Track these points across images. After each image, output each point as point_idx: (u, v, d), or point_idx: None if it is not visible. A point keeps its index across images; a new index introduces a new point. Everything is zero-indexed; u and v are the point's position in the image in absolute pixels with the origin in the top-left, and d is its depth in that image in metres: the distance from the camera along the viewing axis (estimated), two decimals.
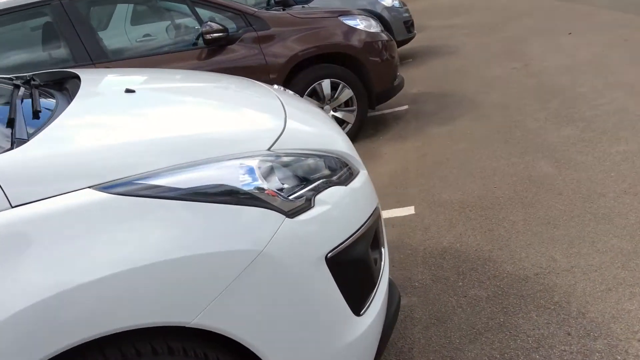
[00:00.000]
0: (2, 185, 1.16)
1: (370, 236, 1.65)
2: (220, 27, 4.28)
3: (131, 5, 4.68)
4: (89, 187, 1.22)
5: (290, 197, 1.43)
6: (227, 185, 1.34)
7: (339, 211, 1.53)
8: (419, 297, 2.49)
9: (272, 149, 1.53)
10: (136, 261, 1.18)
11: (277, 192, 1.40)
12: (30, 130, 1.42)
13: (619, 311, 2.14)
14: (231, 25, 4.45)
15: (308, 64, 4.61)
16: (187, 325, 1.24)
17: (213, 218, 1.29)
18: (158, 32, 4.68)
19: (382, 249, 1.82)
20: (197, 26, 4.34)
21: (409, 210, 3.34)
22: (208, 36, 4.23)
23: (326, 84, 4.69)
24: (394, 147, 4.56)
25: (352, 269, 1.54)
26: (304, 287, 1.41)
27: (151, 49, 4.46)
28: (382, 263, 1.78)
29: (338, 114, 4.80)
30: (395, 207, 3.42)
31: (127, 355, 1.22)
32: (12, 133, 1.39)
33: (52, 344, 1.12)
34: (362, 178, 1.73)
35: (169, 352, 1.27)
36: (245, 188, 1.36)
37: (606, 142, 3.63)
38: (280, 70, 4.49)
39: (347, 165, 1.72)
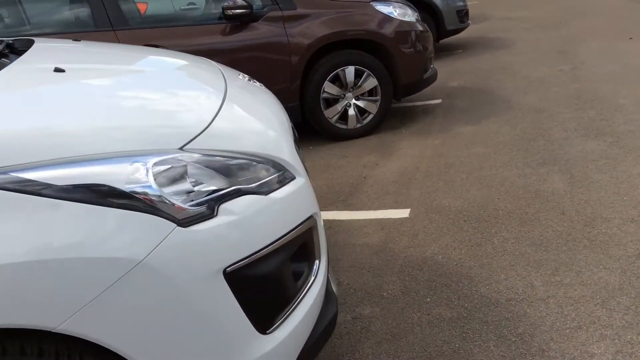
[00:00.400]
0: None
1: (290, 250, 1.55)
2: (244, 3, 4.19)
3: None
4: None
5: (187, 204, 1.34)
6: (108, 185, 1.26)
7: (247, 222, 1.43)
8: (382, 309, 2.38)
9: (185, 148, 1.44)
10: None
11: (166, 198, 1.31)
12: None
13: (582, 353, 1.97)
14: (257, 3, 4.35)
15: (332, 48, 4.48)
16: (52, 331, 1.19)
17: (87, 220, 1.22)
18: (188, 3, 4.65)
19: (317, 262, 1.72)
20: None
21: (404, 213, 3.20)
22: (229, 12, 4.16)
23: (350, 71, 4.55)
24: (413, 142, 4.39)
25: (259, 285, 1.45)
26: (195, 302, 1.33)
27: (172, 19, 4.43)
28: (313, 277, 1.68)
29: (360, 103, 4.66)
30: (391, 208, 3.29)
31: None
32: None
33: None
34: (292, 187, 1.62)
35: (39, 354, 1.22)
36: (130, 190, 1.28)
37: (630, 161, 3.37)
38: (302, 52, 4.38)
39: (280, 170, 1.62)
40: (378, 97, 4.68)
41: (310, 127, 4.70)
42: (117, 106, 1.54)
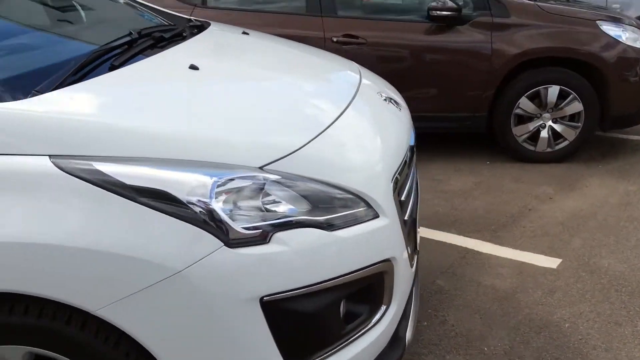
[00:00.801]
0: None
1: (344, 292, 1.52)
2: (453, 5, 4.04)
3: None
4: (47, 155, 1.33)
5: (241, 226, 1.38)
6: (169, 192, 1.35)
7: (297, 257, 1.43)
8: None
9: (265, 167, 1.47)
10: (49, 239, 1.29)
11: (220, 216, 1.36)
12: (53, 84, 1.55)
13: None
14: (467, 6, 4.17)
15: (536, 63, 4.14)
16: (91, 312, 1.33)
17: (141, 221, 1.32)
18: None
19: (383, 307, 1.66)
20: None
21: (552, 262, 2.91)
22: (435, 12, 4.04)
23: (554, 91, 4.17)
24: (604, 182, 3.92)
25: (297, 320, 1.45)
26: (225, 322, 1.38)
27: (376, 11, 4.46)
28: (372, 323, 1.63)
29: (557, 126, 4.26)
30: (540, 253, 3.00)
31: (45, 315, 1.35)
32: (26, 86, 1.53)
33: None
34: (370, 226, 1.57)
35: (81, 328, 1.37)
36: (187, 201, 1.35)
37: None
38: (505, 63, 4.12)
39: (363, 207, 1.58)
40: (579, 124, 4.23)
41: (491, 140, 4.45)
42: (219, 114, 1.62)
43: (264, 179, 1.45)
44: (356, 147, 1.74)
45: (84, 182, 1.32)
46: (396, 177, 1.74)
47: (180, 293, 1.34)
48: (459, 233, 3.24)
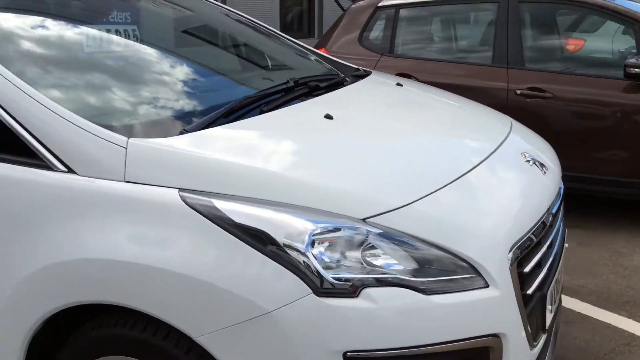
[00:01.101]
0: (127, 161, 1.55)
1: None
2: None
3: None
4: (177, 188, 1.49)
5: (333, 275, 1.40)
6: (268, 234, 1.42)
7: (386, 316, 1.40)
8: None
9: (368, 220, 1.48)
10: (161, 263, 1.43)
11: (313, 263, 1.40)
12: (203, 124, 1.73)
13: None
14: None
15: None
16: (192, 337, 1.45)
17: (241, 258, 1.41)
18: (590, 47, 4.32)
19: None
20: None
21: None
22: (633, 70, 3.69)
23: None
24: None
25: None
26: None
27: (566, 64, 4.19)
28: None
29: None
30: None
31: (145, 329, 1.51)
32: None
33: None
34: (473, 296, 1.48)
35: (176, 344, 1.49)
36: (284, 244, 1.41)
37: None
38: None
39: (470, 275, 1.50)
40: None
41: None
42: (334, 163, 1.67)
43: (367, 232, 1.46)
44: (475, 208, 1.67)
45: (199, 215, 1.45)
46: (520, 246, 1.63)
47: (267, 333, 1.39)
48: (630, 316, 2.87)
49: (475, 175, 1.77)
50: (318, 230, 1.44)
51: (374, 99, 2.31)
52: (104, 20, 2.50)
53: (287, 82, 2.15)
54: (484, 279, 1.51)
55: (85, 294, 1.55)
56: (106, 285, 1.52)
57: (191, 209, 1.46)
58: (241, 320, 1.40)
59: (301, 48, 2.85)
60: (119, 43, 2.37)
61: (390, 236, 1.48)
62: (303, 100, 2.06)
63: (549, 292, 1.80)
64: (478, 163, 1.82)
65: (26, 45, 2.02)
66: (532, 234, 1.71)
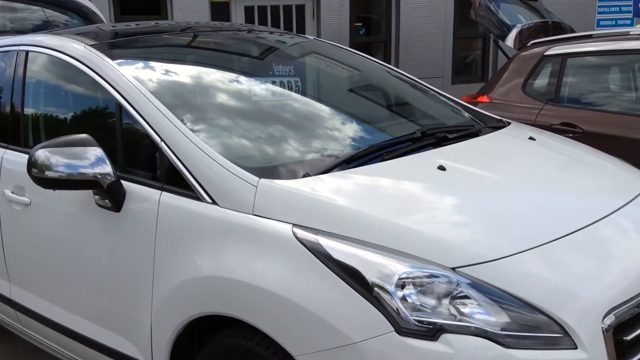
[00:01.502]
0: (256, 198, 1.82)
1: None
2: None
3: None
4: (292, 224, 1.74)
5: (414, 316, 1.53)
6: (359, 272, 1.58)
7: None
8: None
9: (457, 269, 1.59)
10: (269, 286, 1.68)
11: (397, 304, 1.53)
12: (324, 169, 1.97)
13: None
14: None
15: None
16: (293, 357, 1.66)
17: (334, 290, 1.59)
18: None
19: None
20: None
21: None
22: None
23: None
24: None
25: None
26: None
27: None
28: None
29: None
30: None
31: (259, 344, 1.75)
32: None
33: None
34: (559, 356, 1.50)
35: None
36: (372, 282, 1.56)
37: None
38: None
39: (555, 334, 1.53)
40: None
41: None
42: (434, 212, 1.80)
43: (457, 281, 1.57)
44: (576, 268, 1.68)
45: (305, 249, 1.67)
46: (619, 312, 1.60)
47: None
48: None
49: (587, 233, 1.77)
50: (407, 274, 1.57)
51: (496, 152, 2.37)
52: (270, 73, 2.88)
53: (414, 132, 2.31)
54: (572, 339, 1.52)
55: (215, 306, 1.85)
56: (229, 300, 1.80)
57: (299, 243, 1.68)
58: (331, 347, 1.58)
59: (446, 100, 2.98)
60: (276, 93, 2.72)
61: (479, 287, 1.56)
62: (426, 150, 2.21)
63: None
64: (591, 222, 1.82)
65: (194, 93, 2.44)
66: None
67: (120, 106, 2.22)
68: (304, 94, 2.87)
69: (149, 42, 2.89)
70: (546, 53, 4.67)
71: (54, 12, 4.88)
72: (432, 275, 1.58)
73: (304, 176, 1.93)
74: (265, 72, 2.91)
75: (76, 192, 2.19)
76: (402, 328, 1.53)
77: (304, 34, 7.00)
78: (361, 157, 2.09)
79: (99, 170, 2.05)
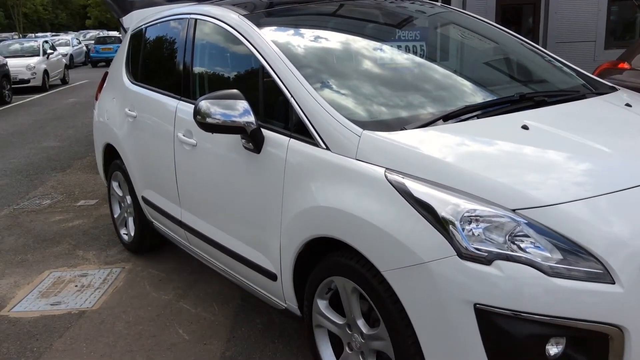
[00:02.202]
0: (359, 146, 2.26)
1: (551, 332, 1.82)
2: None
3: None
4: (385, 167, 2.16)
5: (474, 245, 1.89)
6: (432, 207, 1.96)
7: (509, 284, 1.83)
8: None
9: (517, 211, 1.91)
10: (364, 214, 2.12)
11: (459, 234, 1.90)
12: (420, 124, 2.35)
13: None
14: None
15: None
16: (380, 271, 2.11)
17: (411, 220, 1.99)
18: None
19: None
20: None
21: None
22: None
23: None
24: None
25: (502, 335, 1.85)
26: (445, 312, 1.91)
27: None
28: None
29: None
30: None
31: (358, 262, 2.21)
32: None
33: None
34: (596, 287, 1.79)
35: (373, 276, 2.16)
36: (442, 216, 1.93)
37: None
38: None
39: (599, 270, 1.82)
40: None
41: None
42: (509, 163, 2.12)
43: (515, 220, 1.90)
44: (624, 219, 1.91)
45: (393, 188, 2.09)
46: None
47: (421, 278, 1.96)
48: None
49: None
50: (472, 212, 1.93)
51: (582, 115, 2.56)
52: (396, 37, 3.26)
53: (514, 95, 2.59)
54: (611, 276, 1.80)
55: (325, 229, 2.33)
56: (335, 225, 2.28)
57: (389, 183, 2.10)
58: (407, 264, 2.00)
59: (562, 66, 3.17)
60: (398, 56, 3.11)
61: (535, 227, 1.88)
62: (520, 111, 2.48)
63: None
64: None
65: (324, 58, 2.91)
66: None
67: (262, 67, 2.76)
68: (425, 57, 3.21)
69: (294, 11, 3.41)
70: None
71: None
72: (494, 215, 1.92)
73: (402, 129, 2.32)
74: (392, 37, 3.28)
75: (228, 135, 2.77)
76: (463, 253, 1.90)
77: None
78: (456, 115, 2.44)
79: (245, 119, 2.61)
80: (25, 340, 3.34)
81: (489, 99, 2.73)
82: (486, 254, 1.88)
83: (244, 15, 3.05)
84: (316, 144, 2.43)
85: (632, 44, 5.50)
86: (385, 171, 2.15)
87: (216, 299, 3.68)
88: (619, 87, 2.99)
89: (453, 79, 2.99)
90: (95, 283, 4.08)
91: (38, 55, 18.51)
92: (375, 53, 3.12)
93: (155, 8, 4.38)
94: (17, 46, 19.67)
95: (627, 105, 2.62)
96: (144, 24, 4.19)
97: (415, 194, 2.04)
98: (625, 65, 4.83)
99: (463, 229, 1.92)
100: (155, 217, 3.96)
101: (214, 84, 3.29)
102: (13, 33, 45.87)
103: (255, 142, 2.66)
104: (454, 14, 3.74)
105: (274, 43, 2.80)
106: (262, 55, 2.78)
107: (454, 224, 1.93)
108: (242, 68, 3.10)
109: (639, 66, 4.73)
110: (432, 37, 3.43)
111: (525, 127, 2.31)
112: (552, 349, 1.85)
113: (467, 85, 2.93)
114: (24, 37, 37.00)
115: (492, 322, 1.86)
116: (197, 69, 3.39)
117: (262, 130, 2.66)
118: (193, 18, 3.44)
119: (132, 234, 4.43)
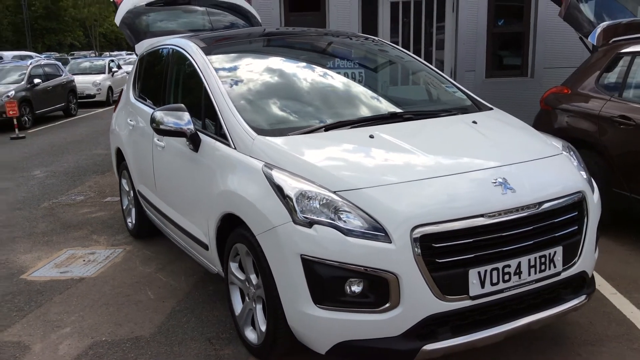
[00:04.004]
0: (252, 146, 3.11)
1: (347, 274, 2.59)
2: None
3: None
4: (264, 162, 3.00)
5: (302, 215, 2.68)
6: (283, 188, 2.78)
7: (321, 241, 2.60)
8: None
9: (337, 192, 2.70)
10: (242, 192, 2.98)
11: (294, 206, 2.70)
12: (298, 132, 3.17)
13: None
14: None
15: None
16: (255, 235, 2.95)
17: (270, 198, 2.81)
18: None
19: (388, 304, 2.58)
20: None
21: None
22: None
23: None
24: None
25: (318, 276, 2.64)
26: (287, 261, 2.71)
27: None
28: (377, 308, 2.61)
29: None
30: None
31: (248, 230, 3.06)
32: None
33: None
34: (377, 245, 2.55)
35: (256, 241, 3.00)
36: (287, 195, 2.72)
37: None
38: None
39: (384, 234, 2.58)
40: None
41: None
42: (341, 159, 2.92)
43: (334, 199, 2.69)
44: (406, 199, 2.66)
45: (264, 176, 2.91)
46: (427, 227, 2.57)
47: (273, 238, 2.76)
48: None
49: (432, 181, 2.74)
50: (306, 192, 2.73)
51: (425, 129, 3.32)
52: (316, 62, 4.10)
53: (385, 113, 3.38)
54: (389, 238, 2.57)
55: (228, 207, 3.18)
56: (231, 204, 3.12)
57: (263, 173, 2.93)
58: (267, 229, 2.81)
59: (453, 88, 3.93)
60: (313, 78, 3.95)
61: (348, 203, 2.67)
62: (378, 125, 3.27)
63: (475, 272, 2.62)
64: (442, 175, 2.77)
65: (251, 79, 3.79)
66: (453, 227, 2.59)
67: (204, 86, 3.65)
68: (336, 80, 4.01)
69: (241, 44, 4.33)
70: (620, 51, 5.09)
71: (235, 17, 6.61)
72: (321, 194, 2.71)
73: (284, 135, 3.16)
74: (311, 62, 4.16)
75: (178, 138, 3.68)
76: (296, 220, 2.70)
77: (444, 25, 7.90)
78: (335, 127, 3.26)
79: (187, 126, 3.51)
80: (33, 295, 4.32)
81: (371, 114, 3.52)
82: (309, 220, 2.68)
83: (199, 47, 3.98)
84: (229, 145, 3.29)
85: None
86: (263, 165, 2.98)
87: (186, 273, 4.58)
88: (494, 108, 3.71)
89: (352, 98, 3.80)
90: (99, 259, 5.06)
91: (104, 72, 20.25)
92: (292, 75, 3.96)
93: (158, 38, 5.38)
94: (86, 64, 21.53)
95: (474, 122, 3.36)
96: (145, 51, 5.21)
97: (274, 179, 2.86)
98: (565, 90, 5.46)
99: (298, 204, 2.72)
100: (146, 207, 4.91)
101: (177, 98, 4.22)
102: (90, 52, 49.00)
103: (194, 143, 3.55)
104: (370, 43, 4.57)
105: (214, 68, 3.70)
106: (204, 76, 3.69)
107: (292, 200, 2.74)
108: (194, 86, 4.00)
109: (575, 91, 5.35)
110: (347, 63, 4.24)
111: (371, 136, 3.10)
112: (354, 288, 2.61)
113: (363, 103, 3.73)
114: (100, 55, 39.71)
115: (310, 267, 2.65)
116: (169, 85, 4.34)
117: (200, 134, 3.55)
118: (170, 47, 4.41)
119: (134, 221, 5.40)
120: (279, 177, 2.85)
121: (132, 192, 5.31)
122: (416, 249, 2.56)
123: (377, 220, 2.60)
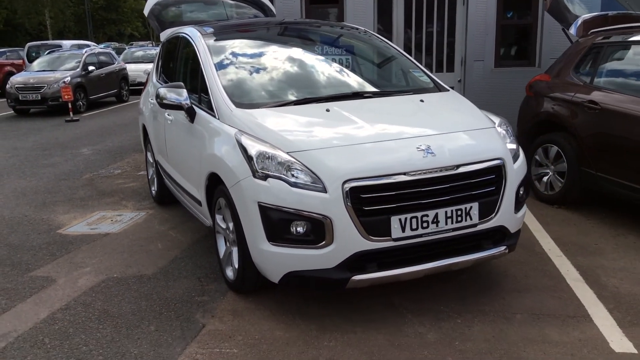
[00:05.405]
0: (231, 116, 3.79)
1: (294, 218, 3.24)
2: None
3: None
4: (237, 129, 3.66)
5: (260, 171, 3.33)
6: (247, 150, 3.45)
7: (272, 190, 3.26)
8: None
9: (289, 153, 3.33)
10: (217, 152, 3.65)
11: (255, 165, 3.35)
12: (267, 105, 3.82)
13: None
14: None
15: None
16: (227, 188, 3.62)
17: (237, 156, 3.49)
18: None
19: (324, 242, 3.23)
20: None
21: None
22: None
23: None
24: None
25: (270, 219, 3.30)
26: (249, 209, 3.39)
27: None
28: (315, 245, 3.25)
29: None
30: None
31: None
32: None
33: None
34: (314, 194, 3.19)
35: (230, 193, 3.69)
36: (250, 155, 3.38)
37: None
38: None
39: (322, 185, 3.22)
40: None
41: None
42: (296, 126, 3.56)
43: (287, 158, 3.33)
44: (342, 158, 3.27)
45: (235, 140, 3.58)
46: (357, 182, 3.18)
47: (239, 189, 3.43)
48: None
49: (367, 145, 3.34)
50: (265, 152, 3.37)
51: (377, 105, 3.91)
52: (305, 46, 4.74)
53: (348, 93, 4.00)
54: (325, 188, 3.19)
55: (212, 167, 3.86)
56: (214, 164, 3.80)
57: (235, 138, 3.60)
58: (235, 182, 3.48)
59: (419, 72, 4.50)
60: (296, 61, 4.58)
61: (295, 162, 3.30)
62: (339, 101, 3.88)
63: (397, 218, 3.21)
64: (377, 141, 3.37)
65: (242, 62, 4.45)
66: (378, 182, 3.19)
67: (201, 67, 4.34)
68: (309, 62, 4.61)
69: (236, 31, 4.99)
70: (595, 41, 5.50)
71: (255, 10, 7.31)
72: (277, 155, 3.35)
73: (257, 108, 3.82)
74: (299, 45, 4.80)
75: (181, 112, 4.39)
76: (254, 174, 3.36)
77: (455, 19, 8.37)
78: (302, 102, 3.89)
79: (185, 101, 4.22)
80: (65, 244, 5.15)
81: (329, 93, 4.14)
82: (264, 174, 3.33)
83: (202, 34, 4.68)
84: (214, 116, 3.98)
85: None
86: (236, 131, 3.65)
87: (192, 230, 5.31)
88: (450, 90, 4.27)
89: (326, 79, 4.41)
90: (125, 219, 5.85)
91: None
92: (277, 60, 4.59)
93: (177, 27, 6.13)
94: (139, 53, 22.74)
95: (421, 100, 3.94)
96: (166, 39, 5.96)
97: (242, 142, 3.52)
98: (546, 77, 5.90)
99: (258, 162, 3.37)
100: (164, 175, 5.67)
101: (183, 77, 4.95)
102: (148, 42, 50.87)
103: (190, 115, 4.26)
104: (354, 32, 5.17)
105: (210, 52, 4.39)
106: (201, 59, 4.38)
107: (252, 159, 3.40)
108: (195, 67, 4.68)
109: (554, 78, 5.79)
110: (330, 49, 4.84)
111: (327, 110, 3.72)
112: (299, 228, 3.24)
113: (333, 84, 4.35)
114: (157, 45, 41.25)
115: (265, 212, 3.30)
116: (178, 67, 5.07)
117: (196, 108, 4.25)
118: (182, 34, 5.14)
119: (156, 189, 6.18)
120: (245, 141, 3.51)
121: (154, 163, 6.08)
122: (347, 199, 3.17)
123: (317, 175, 3.23)
